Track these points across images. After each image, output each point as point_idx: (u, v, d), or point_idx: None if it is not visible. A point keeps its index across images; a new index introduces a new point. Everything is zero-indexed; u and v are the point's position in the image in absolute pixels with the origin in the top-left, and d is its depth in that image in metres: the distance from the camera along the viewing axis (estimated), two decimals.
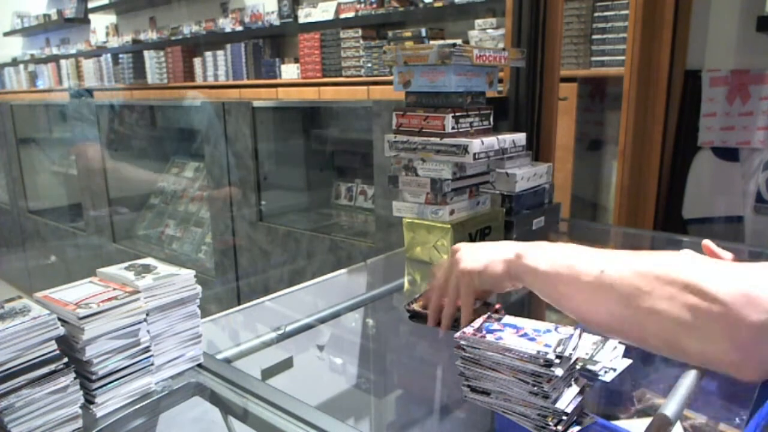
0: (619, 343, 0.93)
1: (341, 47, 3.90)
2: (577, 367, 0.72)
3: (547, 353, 0.65)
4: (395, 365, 1.15)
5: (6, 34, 7.75)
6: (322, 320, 1.12)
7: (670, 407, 0.74)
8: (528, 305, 1.33)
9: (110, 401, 0.74)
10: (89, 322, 0.70)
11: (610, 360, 0.90)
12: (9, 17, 7.57)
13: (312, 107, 3.22)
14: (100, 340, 0.72)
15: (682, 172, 1.93)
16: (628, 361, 0.91)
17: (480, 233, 1.40)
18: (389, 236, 2.24)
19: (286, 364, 1.04)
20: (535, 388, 0.66)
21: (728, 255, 0.75)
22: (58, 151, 4.52)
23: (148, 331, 0.78)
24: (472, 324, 0.75)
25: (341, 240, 2.49)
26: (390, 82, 1.41)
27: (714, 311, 0.55)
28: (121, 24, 6.17)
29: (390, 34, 3.67)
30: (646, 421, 0.73)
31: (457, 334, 0.72)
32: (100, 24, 6.38)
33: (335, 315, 1.15)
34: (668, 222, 1.96)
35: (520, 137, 1.43)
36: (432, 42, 3.31)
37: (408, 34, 3.56)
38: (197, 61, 5.07)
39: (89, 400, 0.73)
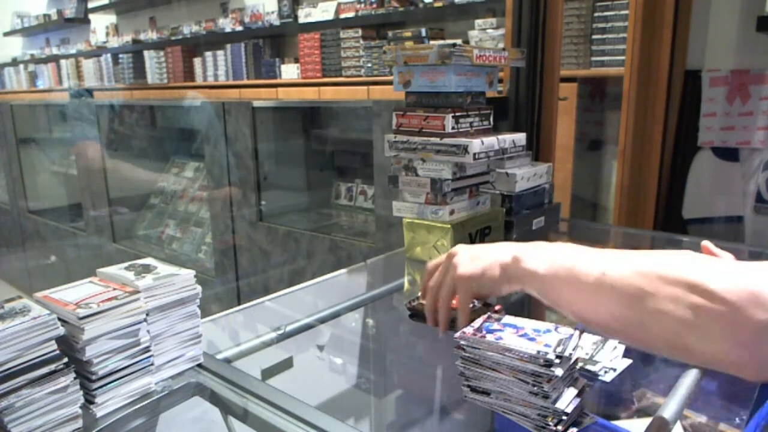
0: (620, 343, 0.93)
1: (341, 47, 3.90)
2: (577, 367, 0.72)
3: (547, 353, 0.65)
4: (395, 365, 1.15)
5: (6, 34, 7.75)
6: (322, 320, 1.12)
7: (668, 409, 0.74)
8: (528, 305, 1.33)
9: (110, 401, 0.74)
10: (89, 322, 0.70)
11: (610, 360, 0.90)
12: (9, 17, 7.57)
13: (312, 107, 3.22)
14: (100, 340, 0.72)
15: (682, 172, 1.93)
16: (628, 361, 0.91)
17: (480, 233, 1.40)
18: (389, 236, 2.24)
19: (286, 364, 1.04)
20: (535, 388, 0.66)
21: (728, 256, 0.75)
22: (58, 151, 4.52)
23: (148, 331, 0.78)
24: (472, 324, 0.75)
25: (341, 240, 2.49)
26: (390, 82, 1.41)
27: (719, 311, 0.55)
28: (121, 24, 6.17)
29: (390, 34, 3.67)
30: (646, 421, 0.73)
31: (457, 334, 0.72)
32: (100, 24, 6.38)
33: (335, 315, 1.15)
34: (668, 222, 1.96)
35: (520, 137, 1.43)
36: (432, 42, 3.31)
37: (408, 34, 3.56)
38: (197, 61, 5.07)
39: (89, 400, 0.73)
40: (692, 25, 1.86)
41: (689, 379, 0.80)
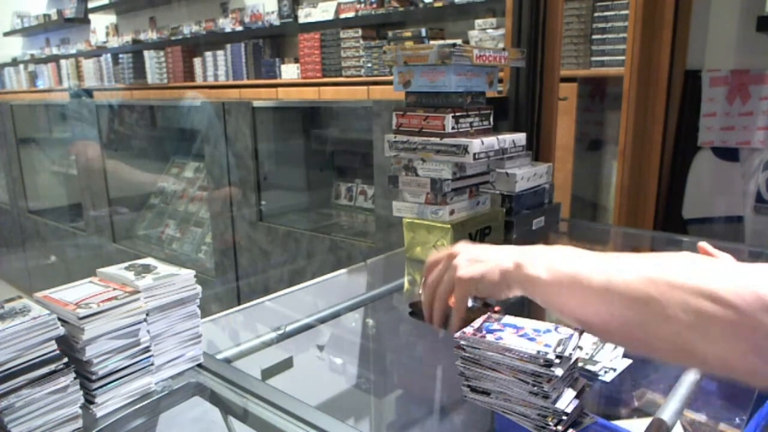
0: (627, 350, 0.93)
1: (341, 47, 3.90)
2: (577, 367, 0.72)
3: (547, 353, 0.65)
4: (395, 365, 1.15)
5: (6, 34, 7.74)
6: (322, 320, 1.12)
7: (668, 409, 0.74)
8: (528, 305, 1.32)
9: (110, 401, 0.74)
10: (89, 322, 0.70)
11: (610, 360, 0.90)
12: (9, 17, 7.57)
13: (312, 107, 3.22)
14: (100, 340, 0.72)
15: (682, 172, 1.93)
16: (628, 361, 0.91)
17: (480, 233, 1.40)
18: (389, 236, 2.24)
19: (286, 364, 1.04)
20: (535, 388, 0.66)
21: (726, 257, 0.75)
22: (58, 151, 4.52)
23: (148, 331, 0.78)
24: (472, 324, 0.75)
25: (341, 240, 2.49)
26: (390, 82, 1.41)
27: (729, 317, 0.53)
28: (121, 24, 6.17)
29: (390, 34, 3.67)
30: (646, 421, 0.73)
31: (457, 334, 0.72)
32: (100, 24, 6.38)
33: (335, 315, 1.15)
34: (668, 222, 1.96)
35: (520, 137, 1.43)
36: (432, 42, 3.31)
37: (408, 34, 3.56)
38: (197, 61, 5.07)
39: (89, 400, 0.73)
40: (692, 25, 1.86)
41: (689, 379, 0.81)
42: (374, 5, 3.68)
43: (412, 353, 1.13)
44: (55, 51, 7.14)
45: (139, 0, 5.55)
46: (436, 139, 1.27)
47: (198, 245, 3.57)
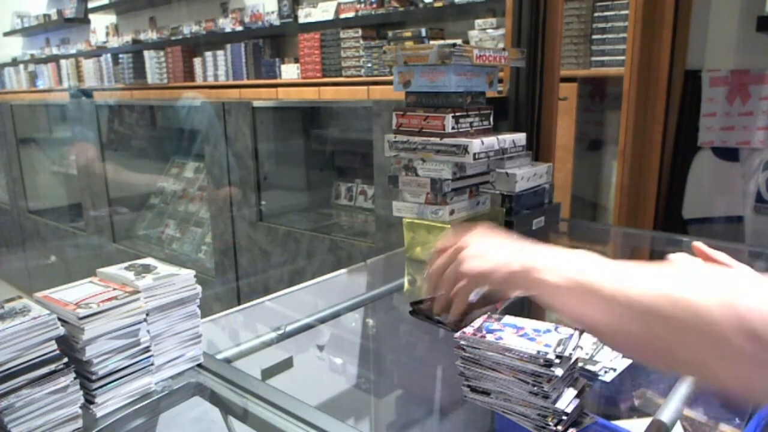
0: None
1: (341, 47, 3.90)
2: (577, 367, 0.72)
3: (547, 353, 0.65)
4: (395, 365, 1.15)
5: (6, 34, 7.74)
6: (322, 320, 1.12)
7: (668, 409, 0.74)
8: (528, 305, 1.32)
9: (110, 401, 0.74)
10: (89, 322, 0.70)
11: (610, 360, 0.90)
12: (9, 17, 7.57)
13: (312, 107, 3.22)
14: (100, 340, 0.72)
15: (682, 172, 1.93)
16: (628, 361, 0.91)
17: None
18: (389, 236, 2.24)
19: (286, 364, 1.05)
20: (535, 388, 0.66)
21: (722, 255, 0.74)
22: (58, 151, 4.52)
23: (148, 331, 0.78)
24: (472, 324, 0.75)
25: (341, 240, 2.49)
26: (390, 82, 1.41)
27: (748, 336, 0.50)
28: (121, 24, 6.17)
29: (390, 34, 3.67)
30: (646, 421, 0.73)
31: (457, 334, 0.72)
32: (100, 24, 6.38)
33: (335, 315, 1.15)
34: (668, 222, 1.96)
35: (520, 137, 1.43)
36: (432, 42, 3.31)
37: (408, 34, 3.56)
38: (197, 61, 5.07)
39: (89, 400, 0.73)
40: (692, 25, 1.86)
41: (689, 379, 0.80)
42: (374, 5, 3.68)
43: (412, 353, 1.13)
44: (55, 51, 7.14)
45: (139, 0, 5.55)
46: (436, 139, 1.27)
47: (198, 245, 3.57)
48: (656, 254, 1.57)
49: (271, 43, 4.57)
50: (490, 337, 0.70)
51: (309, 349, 1.14)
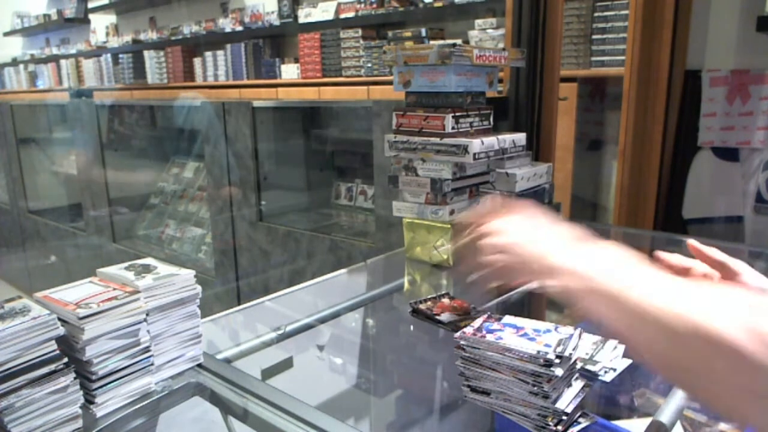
0: (620, 344, 0.93)
1: (341, 47, 3.89)
2: (577, 367, 0.72)
3: (547, 353, 0.65)
4: (395, 365, 1.15)
5: (6, 34, 7.74)
6: (322, 320, 1.12)
7: (668, 409, 0.74)
8: (528, 305, 1.33)
9: (110, 401, 0.74)
10: (89, 322, 0.70)
11: (610, 360, 0.90)
12: (9, 17, 7.57)
13: (312, 107, 3.22)
14: (100, 340, 0.72)
15: (682, 172, 1.92)
16: (628, 361, 0.91)
17: None
18: (389, 236, 2.24)
19: (286, 364, 1.04)
20: (535, 388, 0.66)
21: (715, 252, 0.74)
22: (58, 151, 4.52)
23: (148, 331, 0.78)
24: (472, 324, 0.75)
25: (341, 240, 2.49)
26: (390, 82, 1.41)
27: None
28: (121, 24, 6.17)
29: (390, 34, 3.67)
30: (646, 421, 0.73)
31: (457, 334, 0.72)
32: (100, 24, 6.37)
33: (335, 315, 1.15)
34: (668, 222, 1.96)
35: (520, 137, 1.43)
36: (432, 42, 3.31)
37: (408, 34, 3.56)
38: (197, 61, 5.07)
39: (89, 400, 0.73)
40: (692, 25, 1.86)
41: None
42: (374, 5, 3.67)
43: (412, 353, 1.13)
44: (55, 51, 7.14)
45: (139, 0, 5.55)
46: (436, 139, 1.27)
47: (198, 245, 3.57)
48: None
49: (271, 43, 4.57)
50: (490, 337, 0.70)
51: (309, 349, 1.14)
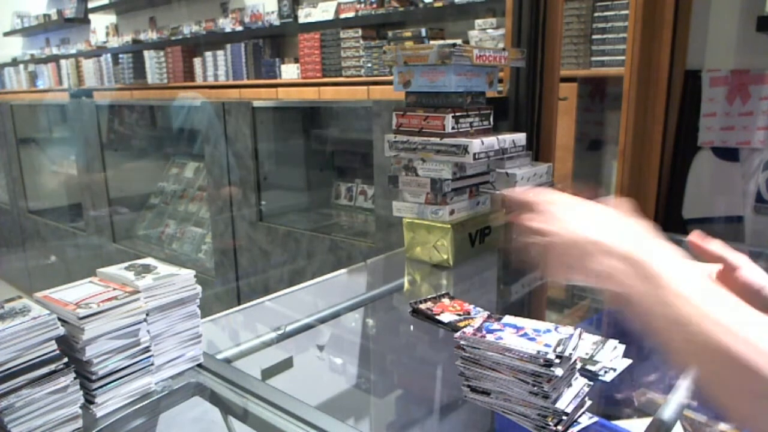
0: (620, 344, 0.93)
1: (341, 47, 3.89)
2: (577, 367, 0.72)
3: (547, 353, 0.65)
4: (395, 365, 1.15)
5: (6, 34, 7.74)
6: (322, 320, 1.12)
7: (668, 409, 0.74)
8: (528, 305, 1.33)
9: (110, 401, 0.74)
10: (89, 322, 0.70)
11: (610, 360, 0.90)
12: (9, 17, 7.57)
13: (312, 107, 3.22)
14: (100, 340, 0.72)
15: (682, 172, 1.92)
16: (628, 361, 0.91)
17: (480, 233, 1.40)
18: (389, 236, 2.24)
19: (286, 364, 1.04)
20: (535, 388, 0.66)
21: (716, 245, 0.73)
22: (58, 151, 4.52)
23: (148, 331, 0.78)
24: (472, 324, 0.75)
25: (341, 240, 2.49)
26: (390, 82, 1.41)
27: None
28: (121, 24, 6.17)
29: (390, 34, 3.67)
30: (646, 421, 0.73)
31: (457, 334, 0.72)
32: (100, 24, 6.37)
33: (335, 315, 1.15)
34: (668, 222, 1.96)
35: (520, 137, 1.43)
36: (432, 42, 3.31)
37: (408, 34, 3.56)
38: (197, 61, 5.07)
39: (89, 400, 0.73)
40: (692, 25, 1.86)
41: (689, 379, 0.80)
42: (374, 5, 3.67)
43: (412, 353, 1.13)
44: (55, 51, 7.14)
45: (139, 0, 5.55)
46: (436, 139, 1.27)
47: (198, 245, 3.57)
48: None
49: (271, 43, 4.57)
50: (490, 337, 0.70)
51: (309, 349, 1.14)
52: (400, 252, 1.42)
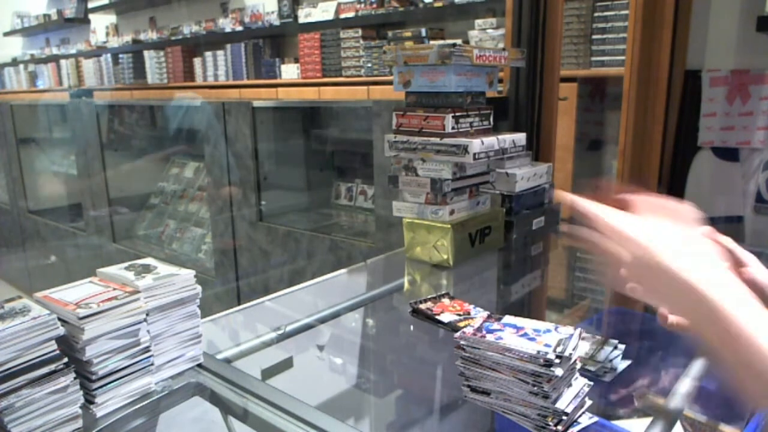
0: (620, 344, 0.93)
1: (341, 47, 3.90)
2: (577, 367, 0.72)
3: (547, 353, 0.65)
4: (395, 365, 1.15)
5: (6, 34, 7.74)
6: (322, 320, 1.12)
7: (669, 409, 0.74)
8: (528, 305, 1.33)
9: (110, 401, 0.74)
10: (89, 322, 0.70)
11: (610, 360, 0.90)
12: (9, 17, 7.57)
13: (312, 107, 3.22)
14: (100, 340, 0.72)
15: (682, 172, 1.92)
16: (628, 361, 0.91)
17: (480, 233, 1.40)
18: (389, 236, 2.24)
19: (286, 364, 1.04)
20: (535, 388, 0.66)
21: (729, 241, 0.71)
22: (58, 151, 4.52)
23: (148, 331, 0.78)
24: (472, 324, 0.75)
25: (341, 240, 2.49)
26: (390, 82, 1.41)
27: None
28: (121, 24, 6.17)
29: (390, 34, 3.67)
30: (646, 421, 0.73)
31: (457, 334, 0.72)
32: (100, 24, 6.38)
33: (335, 315, 1.15)
34: None
35: (520, 137, 1.43)
36: (432, 42, 3.31)
37: (408, 34, 3.56)
38: (197, 61, 5.07)
39: (89, 400, 0.73)
40: (692, 25, 1.86)
41: (689, 379, 0.81)
42: (374, 5, 3.68)
43: (412, 353, 1.13)
44: (55, 51, 7.14)
45: (139, 0, 5.55)
46: (436, 139, 1.27)
47: (198, 245, 3.57)
48: None
49: (271, 43, 4.57)
50: (490, 337, 0.70)
51: (309, 349, 1.14)
52: (400, 252, 1.42)
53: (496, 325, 0.74)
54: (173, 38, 5.22)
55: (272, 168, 2.86)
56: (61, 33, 7.11)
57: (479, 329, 0.73)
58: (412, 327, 1.10)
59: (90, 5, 6.08)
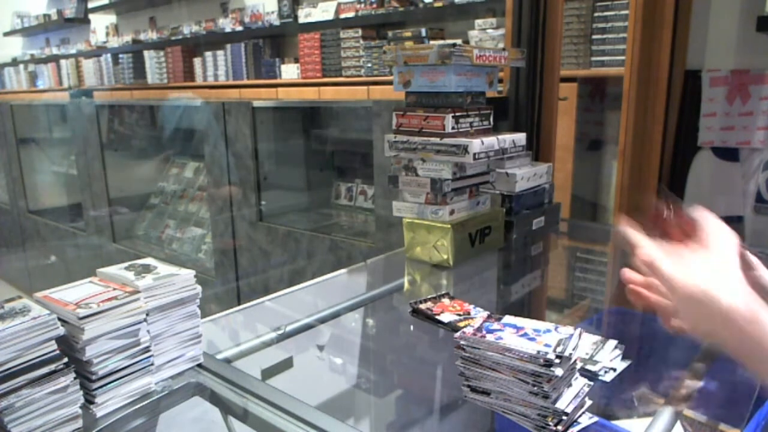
0: (620, 344, 0.93)
1: (341, 47, 3.90)
2: (577, 367, 0.72)
3: (547, 353, 0.65)
4: (395, 365, 1.15)
5: (6, 34, 7.74)
6: (322, 320, 1.12)
7: (668, 409, 0.74)
8: (528, 305, 1.33)
9: (110, 401, 0.74)
10: (89, 322, 0.70)
11: (610, 360, 0.90)
12: (9, 17, 7.57)
13: (312, 107, 3.22)
14: (100, 340, 0.72)
15: (682, 172, 1.93)
16: (628, 361, 0.91)
17: (480, 233, 1.40)
18: (389, 236, 2.24)
19: (286, 364, 1.04)
20: (535, 388, 0.66)
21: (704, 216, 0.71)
22: (58, 151, 4.52)
23: (148, 331, 0.78)
24: (472, 324, 0.75)
25: (341, 240, 2.49)
26: (390, 82, 1.41)
27: None
28: (121, 24, 6.17)
29: (390, 34, 3.67)
30: (646, 421, 0.73)
31: (457, 334, 0.72)
32: (100, 24, 6.38)
33: (335, 315, 1.15)
34: None
35: (520, 137, 1.43)
36: (432, 42, 3.31)
37: (408, 34, 3.56)
38: (197, 61, 5.07)
39: (89, 400, 0.73)
40: (692, 25, 1.86)
41: (689, 379, 0.81)
42: (374, 5, 3.68)
43: (412, 353, 1.13)
44: (55, 51, 7.14)
45: (139, 0, 5.55)
46: (436, 139, 1.27)
47: (198, 245, 3.57)
48: None
49: (271, 43, 4.57)
50: (490, 337, 0.70)
51: (309, 349, 1.14)
52: (400, 252, 1.42)
53: (496, 325, 0.74)
54: (173, 38, 5.22)
55: (272, 168, 2.86)
56: (61, 33, 7.11)
57: (479, 329, 0.73)
58: (412, 327, 1.10)
59: (90, 5, 6.08)
